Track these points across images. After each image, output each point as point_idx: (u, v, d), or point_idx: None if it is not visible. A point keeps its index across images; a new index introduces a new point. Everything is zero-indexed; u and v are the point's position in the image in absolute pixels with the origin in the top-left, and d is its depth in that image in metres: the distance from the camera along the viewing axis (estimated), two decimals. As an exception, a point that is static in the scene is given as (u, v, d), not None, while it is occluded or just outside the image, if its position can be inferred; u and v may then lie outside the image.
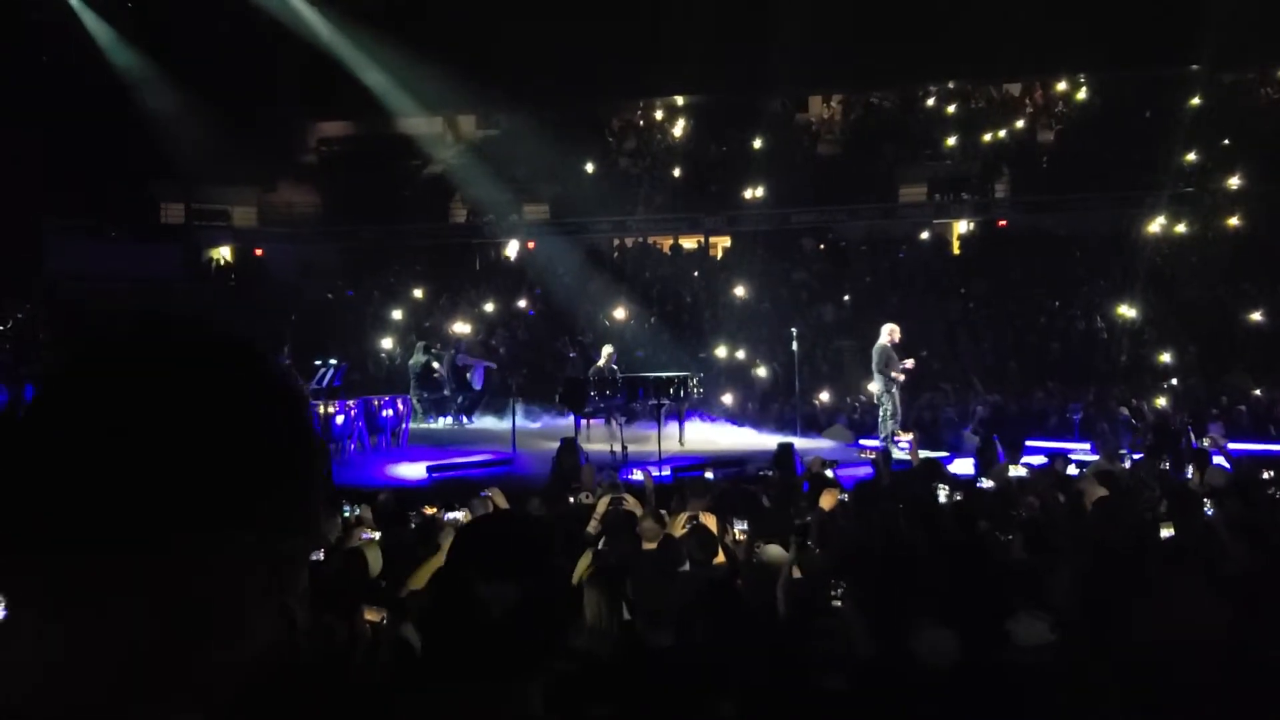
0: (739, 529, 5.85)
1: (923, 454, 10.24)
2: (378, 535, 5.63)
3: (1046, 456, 9.88)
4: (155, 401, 0.71)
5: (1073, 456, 10.60)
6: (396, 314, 23.04)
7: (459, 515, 6.48)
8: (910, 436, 11.25)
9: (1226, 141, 26.04)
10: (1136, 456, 10.29)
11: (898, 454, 10.74)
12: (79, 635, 0.68)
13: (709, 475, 8.53)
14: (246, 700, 0.73)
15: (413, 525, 6.94)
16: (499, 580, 1.43)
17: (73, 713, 0.66)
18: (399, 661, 3.94)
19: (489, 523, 2.58)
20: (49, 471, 0.69)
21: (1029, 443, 13.02)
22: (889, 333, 13.73)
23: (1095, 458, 10.62)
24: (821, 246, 27.10)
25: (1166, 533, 5.95)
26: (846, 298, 23.53)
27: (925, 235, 27.29)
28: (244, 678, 0.74)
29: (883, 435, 13.31)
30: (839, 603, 4.73)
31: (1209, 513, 6.02)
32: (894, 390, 13.60)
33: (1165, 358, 19.19)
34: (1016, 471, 8.75)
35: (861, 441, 13.53)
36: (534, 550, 1.51)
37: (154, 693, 0.69)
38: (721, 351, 20.24)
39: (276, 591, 0.75)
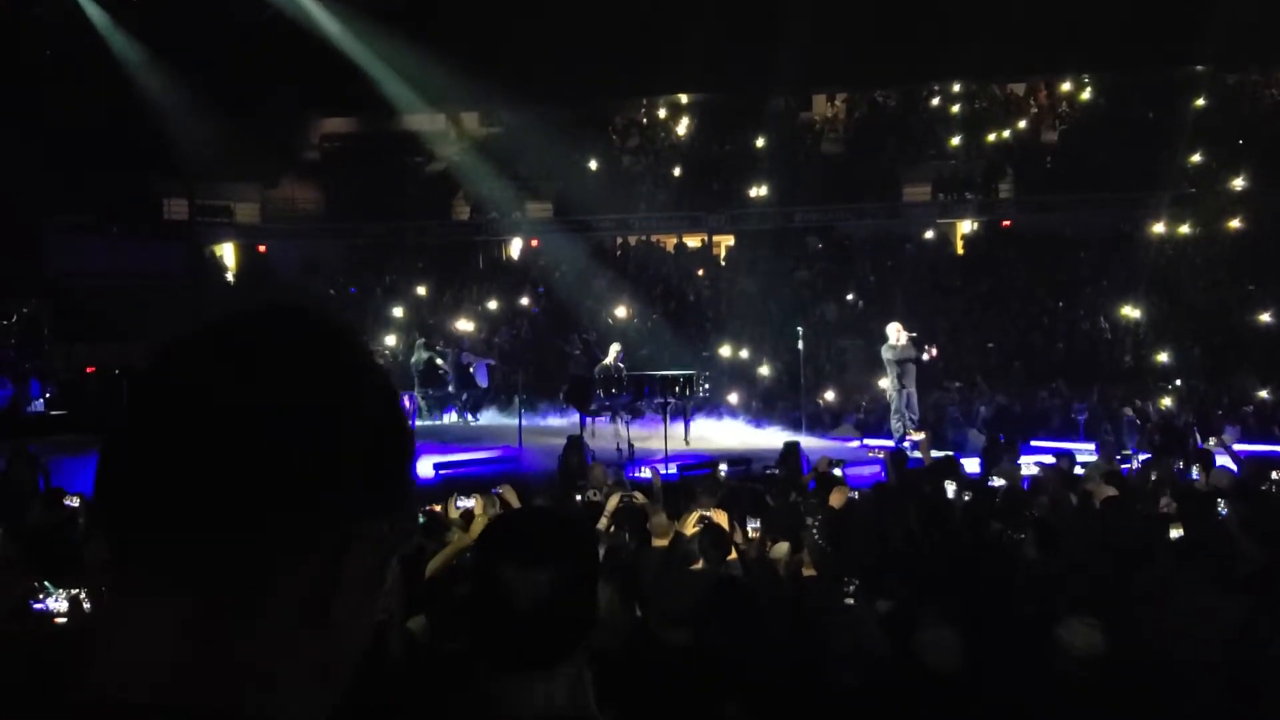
0: (751, 527, 5.84)
1: (935, 454, 10.23)
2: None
3: (1054, 456, 9.87)
4: (261, 385, 0.70)
5: (1078, 457, 10.60)
6: (399, 311, 23.04)
7: (469, 503, 6.47)
8: (922, 436, 11.23)
9: (1231, 143, 26.02)
10: (1144, 457, 10.29)
11: (913, 454, 10.74)
12: (190, 626, 0.67)
13: (722, 472, 8.51)
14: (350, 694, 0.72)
15: (420, 521, 6.94)
16: (529, 567, 1.41)
17: (182, 704, 0.65)
18: (408, 654, 3.94)
19: (520, 512, 2.57)
20: (165, 456, 0.68)
21: (1034, 443, 13.05)
22: (895, 331, 13.73)
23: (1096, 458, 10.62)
24: (824, 246, 27.09)
25: (1175, 533, 5.94)
26: (850, 296, 23.52)
27: (929, 235, 27.27)
28: (352, 670, 0.73)
29: (895, 434, 13.31)
30: (851, 600, 4.72)
31: (1222, 513, 6.00)
32: (906, 389, 13.60)
33: (1167, 358, 19.19)
34: (1029, 470, 8.73)
35: (868, 441, 13.51)
36: (566, 538, 1.50)
37: (267, 683, 0.69)
38: (725, 350, 20.24)
39: (380, 582, 0.74)
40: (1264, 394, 16.63)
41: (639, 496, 6.79)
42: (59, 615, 3.80)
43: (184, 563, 0.68)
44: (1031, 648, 4.07)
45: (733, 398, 17.64)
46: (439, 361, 16.61)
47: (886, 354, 13.74)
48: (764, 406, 17.47)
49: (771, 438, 13.81)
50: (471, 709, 1.45)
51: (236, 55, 23.73)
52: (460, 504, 6.40)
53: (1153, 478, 8.18)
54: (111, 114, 23.30)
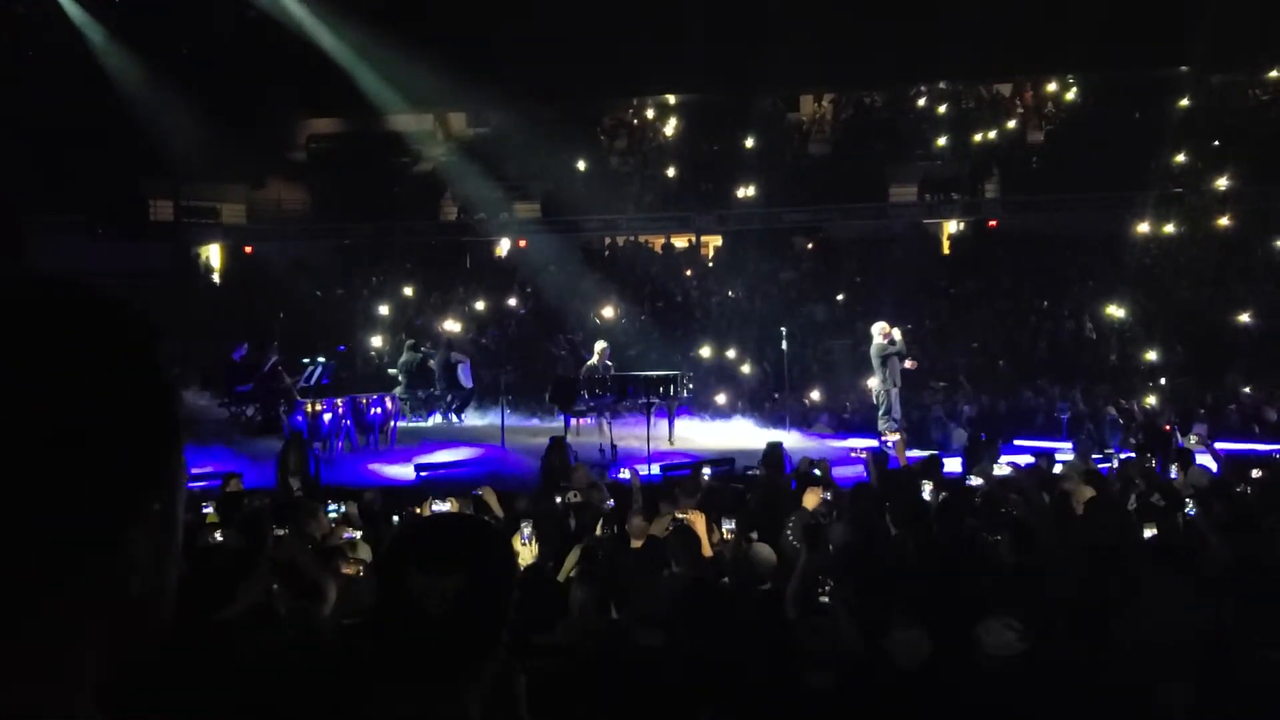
0: (727, 527, 5.85)
1: (912, 454, 10.26)
2: (359, 534, 5.61)
3: (1034, 455, 9.90)
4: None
5: (1058, 456, 10.64)
6: (386, 311, 22.98)
7: (445, 506, 6.47)
8: (896, 438, 11.24)
9: (1216, 143, 26.15)
10: (1125, 455, 10.33)
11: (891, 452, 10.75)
12: None
13: (706, 473, 8.51)
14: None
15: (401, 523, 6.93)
16: (435, 574, 1.39)
17: None
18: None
19: (431, 518, 2.55)
20: None
21: (1017, 441, 13.08)
22: (880, 331, 13.74)
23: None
24: (812, 246, 27.14)
25: (1149, 532, 5.97)
26: (840, 297, 23.55)
27: (915, 235, 27.32)
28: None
29: (882, 434, 13.33)
30: (826, 599, 4.73)
31: (1190, 513, 6.03)
32: (892, 389, 13.61)
33: (1152, 357, 19.27)
34: (1001, 470, 8.76)
35: (850, 442, 13.51)
36: (476, 544, 1.46)
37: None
38: (712, 350, 20.25)
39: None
40: (1248, 390, 16.73)
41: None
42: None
43: None
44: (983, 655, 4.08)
45: (719, 398, 17.65)
46: (430, 363, 16.57)
47: (873, 352, 13.75)
48: (749, 406, 17.48)
49: (756, 437, 13.80)
50: (372, 713, 1.42)
51: (223, 56, 23.69)
52: (435, 507, 6.39)
53: (1130, 477, 8.20)
54: (97, 114, 23.19)
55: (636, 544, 5.88)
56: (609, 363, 14.71)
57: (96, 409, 0.69)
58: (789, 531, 5.75)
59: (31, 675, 0.67)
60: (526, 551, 5.94)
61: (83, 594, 0.69)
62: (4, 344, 0.68)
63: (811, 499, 5.81)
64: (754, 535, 6.02)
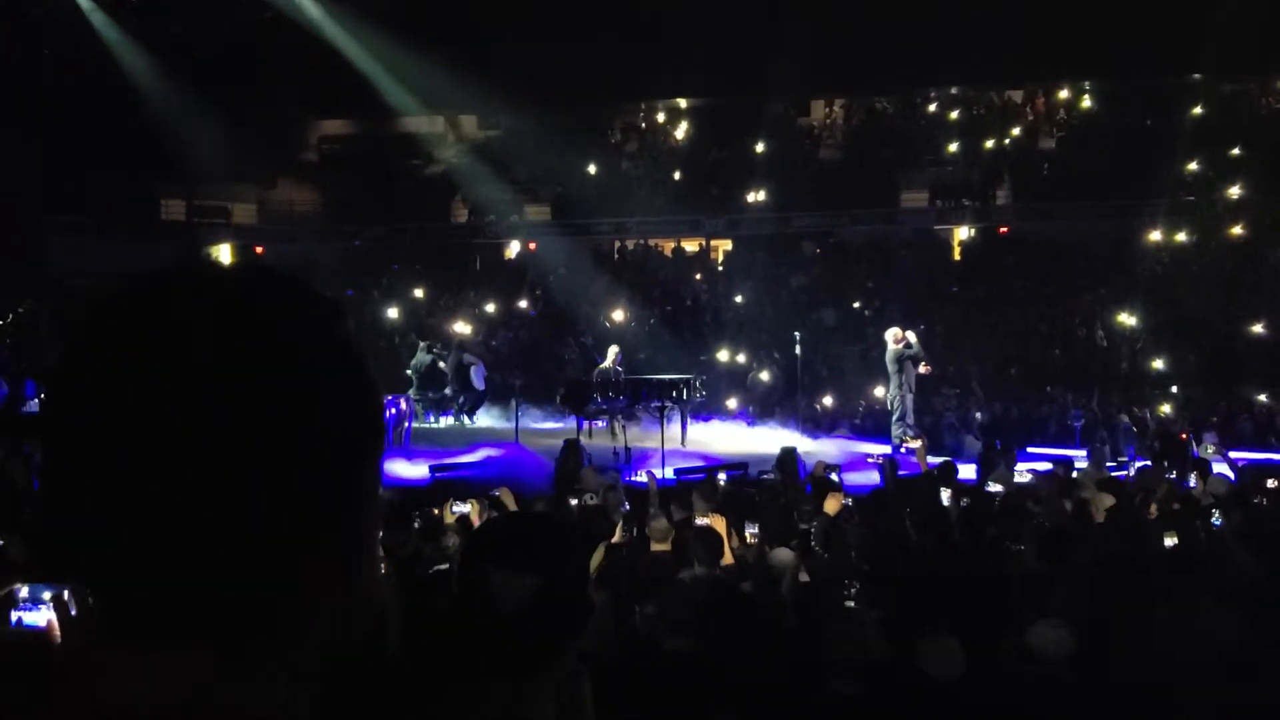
0: (750, 532, 5.83)
1: (932, 459, 10.23)
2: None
3: (1050, 463, 9.87)
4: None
5: (1075, 464, 10.62)
6: (396, 313, 23.01)
7: (465, 508, 6.46)
8: (918, 444, 11.23)
9: (1228, 151, 26.07)
10: (1140, 464, 10.30)
11: (911, 459, 10.73)
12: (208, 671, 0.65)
13: (721, 478, 8.49)
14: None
15: (415, 525, 6.92)
16: (514, 572, 1.38)
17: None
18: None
19: (509, 516, 2.55)
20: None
21: (1030, 449, 13.05)
22: (894, 337, 13.72)
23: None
24: (821, 251, 27.11)
25: (1169, 541, 5.94)
26: (857, 305, 23.48)
27: (926, 241, 27.28)
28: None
29: (895, 441, 13.31)
30: (852, 603, 4.71)
31: (1216, 523, 6.00)
32: (907, 395, 13.59)
33: (1162, 365, 19.22)
34: (1020, 478, 8.75)
35: (866, 448, 13.50)
36: (554, 544, 1.46)
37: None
38: (722, 354, 20.24)
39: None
40: (1263, 397, 16.68)
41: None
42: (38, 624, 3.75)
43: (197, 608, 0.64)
44: (1024, 654, 4.07)
45: (731, 402, 17.64)
46: (441, 365, 16.59)
47: (889, 358, 13.73)
48: (761, 411, 17.46)
49: (769, 442, 13.78)
50: (452, 714, 1.41)
51: (236, 56, 23.71)
52: (456, 509, 6.38)
53: (1149, 485, 8.17)
54: (110, 115, 23.26)
55: (657, 547, 5.86)
56: (620, 368, 14.74)
57: (338, 401, 0.68)
58: (810, 536, 5.73)
59: (270, 674, 0.67)
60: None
61: (316, 590, 0.68)
62: (267, 340, 0.66)
63: (833, 504, 5.79)
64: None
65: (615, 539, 5.81)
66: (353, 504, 0.70)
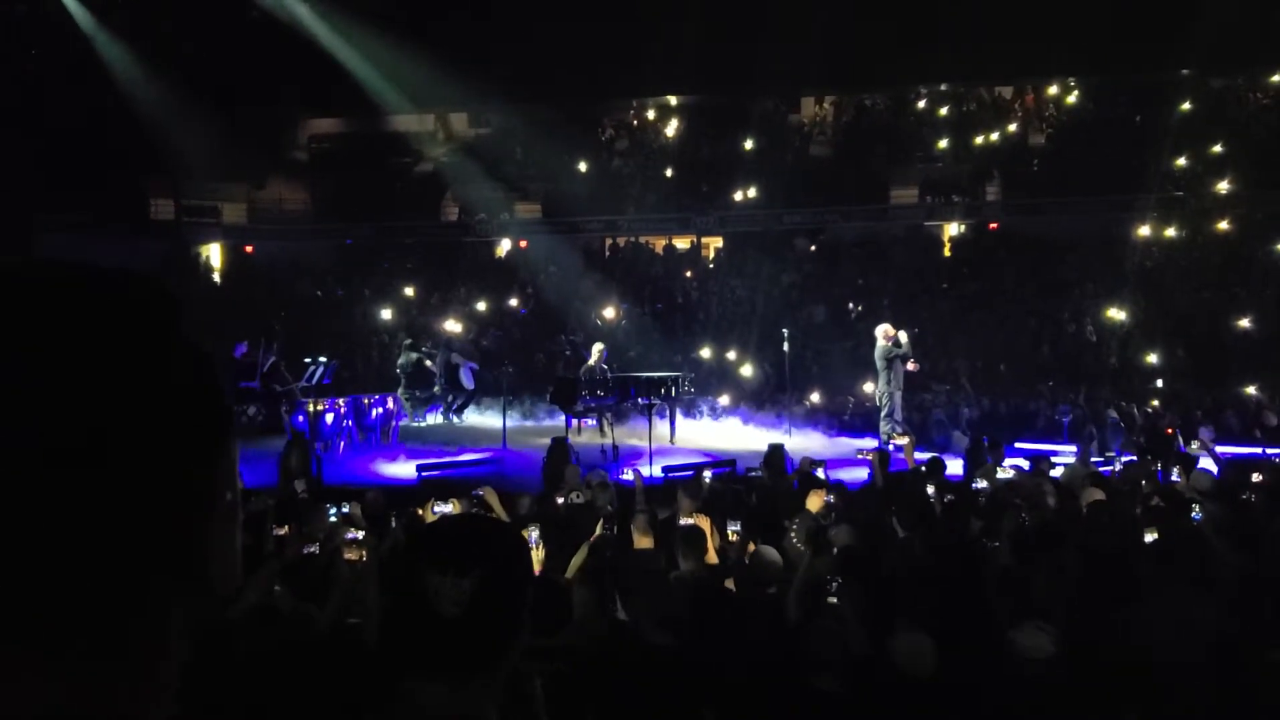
0: (732, 529, 5.84)
1: (922, 455, 10.26)
2: (362, 534, 5.60)
3: (1030, 459, 9.90)
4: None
5: (1057, 460, 10.64)
6: (387, 313, 22.97)
7: (446, 507, 6.45)
8: (905, 441, 11.24)
9: (1217, 147, 26.17)
10: (1126, 459, 10.32)
11: (897, 456, 10.75)
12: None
13: (707, 477, 8.49)
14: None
15: (400, 523, 6.91)
16: (450, 573, 1.38)
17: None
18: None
19: (446, 517, 2.54)
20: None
21: (1018, 444, 13.08)
22: (884, 334, 13.75)
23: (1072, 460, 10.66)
24: (813, 248, 27.14)
25: (1150, 536, 5.96)
26: (851, 305, 23.50)
27: (916, 237, 27.33)
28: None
29: (884, 438, 13.33)
30: (834, 599, 4.72)
31: (1196, 517, 6.02)
32: (895, 391, 13.62)
33: (1153, 360, 19.28)
34: (1003, 474, 8.76)
35: (855, 443, 13.51)
36: (492, 544, 1.45)
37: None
38: (712, 351, 20.25)
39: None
40: (1252, 390, 16.74)
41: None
42: None
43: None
44: (1004, 650, 4.08)
45: (722, 399, 17.65)
46: (428, 363, 16.56)
47: (877, 355, 13.76)
48: (750, 407, 17.48)
49: (757, 438, 13.81)
50: (389, 713, 1.41)
51: (224, 55, 23.64)
52: (437, 509, 6.37)
53: (1135, 480, 8.19)
54: (99, 114, 23.18)
55: (641, 544, 5.87)
56: (605, 365, 14.74)
57: (177, 401, 0.68)
58: (793, 534, 5.74)
59: (133, 677, 0.66)
60: (534, 556, 5.93)
61: (172, 591, 0.68)
62: (67, 340, 0.64)
63: (815, 501, 5.79)
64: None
65: (597, 536, 5.82)
66: (196, 505, 0.69)
